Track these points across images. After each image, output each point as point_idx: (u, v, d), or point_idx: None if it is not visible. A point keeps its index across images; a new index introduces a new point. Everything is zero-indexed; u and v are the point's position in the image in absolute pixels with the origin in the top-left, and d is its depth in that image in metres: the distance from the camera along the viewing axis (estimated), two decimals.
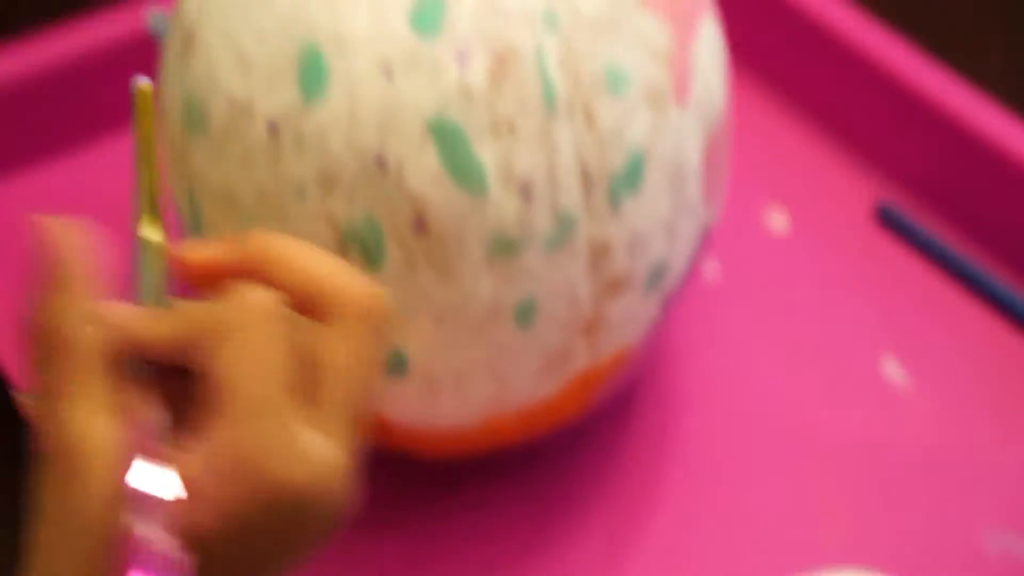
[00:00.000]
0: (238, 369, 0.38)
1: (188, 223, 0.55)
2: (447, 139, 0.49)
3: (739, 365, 0.66)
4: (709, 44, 0.55)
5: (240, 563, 0.39)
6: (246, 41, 0.51)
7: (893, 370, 0.66)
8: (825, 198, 0.73)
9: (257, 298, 0.39)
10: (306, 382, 0.40)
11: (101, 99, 0.76)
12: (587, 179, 0.51)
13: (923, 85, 0.71)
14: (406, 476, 0.62)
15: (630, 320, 0.55)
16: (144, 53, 0.75)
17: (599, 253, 0.52)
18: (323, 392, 0.39)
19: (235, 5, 0.52)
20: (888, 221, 0.72)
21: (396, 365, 0.53)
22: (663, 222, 0.53)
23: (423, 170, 0.50)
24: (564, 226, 0.51)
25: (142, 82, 0.43)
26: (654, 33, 0.52)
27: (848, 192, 0.74)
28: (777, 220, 0.72)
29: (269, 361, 0.38)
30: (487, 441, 0.58)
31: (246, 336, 0.39)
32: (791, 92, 0.77)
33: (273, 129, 0.51)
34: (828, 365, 0.66)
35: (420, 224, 0.50)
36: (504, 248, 0.51)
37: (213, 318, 0.39)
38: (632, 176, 0.52)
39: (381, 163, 0.50)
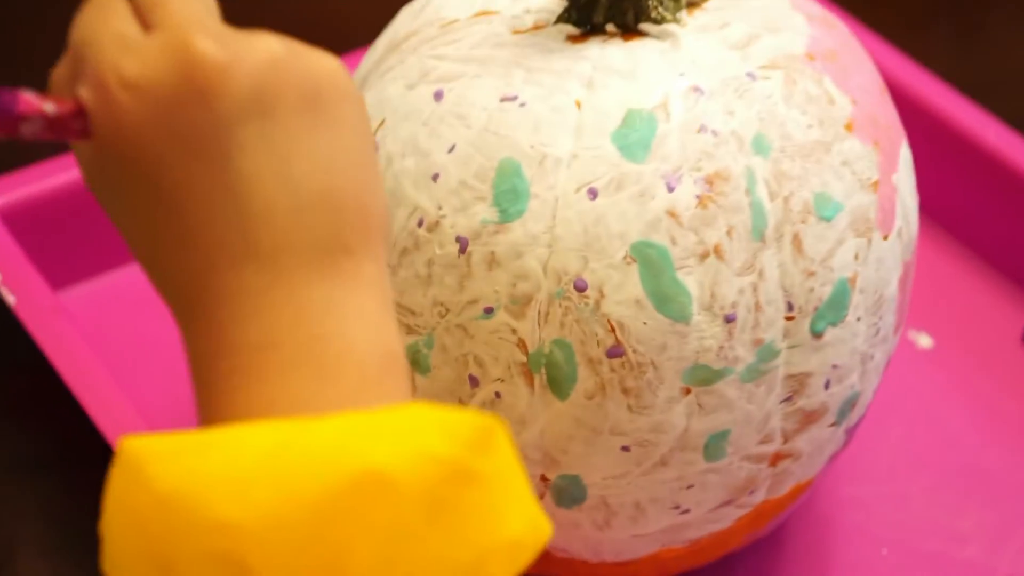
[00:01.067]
0: None
1: None
2: (652, 264, 0.47)
3: (889, 491, 0.63)
4: (906, 170, 0.53)
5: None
6: (437, 155, 0.49)
7: None
8: (971, 321, 0.71)
9: None
10: None
11: None
12: (791, 308, 0.49)
13: None
14: None
15: (817, 453, 0.53)
16: None
17: (797, 385, 0.50)
18: None
19: (423, 117, 0.50)
20: None
21: (573, 494, 0.51)
22: (860, 353, 0.51)
23: (624, 295, 0.48)
24: (764, 356, 0.49)
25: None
26: (862, 159, 0.50)
27: (995, 316, 0.71)
28: (923, 341, 0.70)
29: None
30: (645, 573, 0.55)
31: None
32: (937, 214, 0.75)
33: (463, 245, 0.48)
34: (980, 494, 0.63)
35: (616, 350, 0.48)
36: (702, 378, 0.49)
37: None
38: (836, 306, 0.49)
39: (580, 286, 0.48)
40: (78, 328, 0.65)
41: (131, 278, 0.71)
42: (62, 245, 0.70)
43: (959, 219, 0.75)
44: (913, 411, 0.67)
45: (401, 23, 0.55)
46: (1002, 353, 0.70)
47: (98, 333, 0.69)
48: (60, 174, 0.70)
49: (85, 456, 0.64)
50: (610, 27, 0.51)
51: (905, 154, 0.53)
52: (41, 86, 0.48)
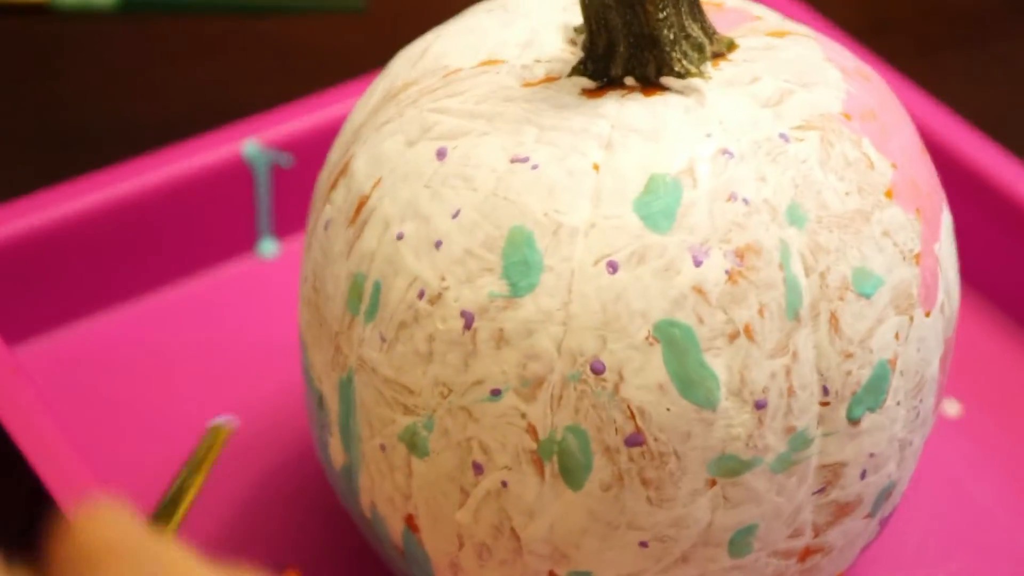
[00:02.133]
0: None
1: (337, 410, 0.49)
2: (676, 344, 0.43)
3: (922, 564, 0.59)
4: (948, 238, 0.49)
5: None
6: (439, 221, 0.45)
7: None
8: (1002, 386, 0.67)
9: None
10: None
11: (193, 231, 0.69)
12: (827, 393, 0.45)
13: None
14: None
15: (848, 547, 0.48)
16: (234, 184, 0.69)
17: (831, 476, 0.46)
18: None
19: (425, 179, 0.46)
20: None
21: None
22: (899, 440, 0.47)
23: (646, 378, 0.43)
24: (797, 445, 0.45)
25: (222, 421, 0.47)
26: (904, 228, 0.46)
27: (1021, 379, 0.67)
28: (951, 408, 0.66)
29: None
30: None
31: None
32: (961, 270, 0.71)
33: (468, 321, 0.44)
34: (1016, 574, 0.59)
35: (636, 439, 0.44)
36: (729, 468, 0.44)
37: None
38: (875, 391, 0.45)
39: (597, 368, 0.43)
40: (35, 386, 0.60)
41: (91, 331, 0.67)
42: (17, 296, 0.66)
43: (985, 275, 0.71)
44: (941, 486, 0.62)
45: (398, 69, 0.51)
46: None
47: (54, 391, 0.64)
48: (12, 222, 0.66)
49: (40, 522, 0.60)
50: (629, 80, 0.47)
51: (947, 220, 0.49)
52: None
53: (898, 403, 0.46)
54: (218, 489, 0.61)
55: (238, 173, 0.69)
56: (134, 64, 0.83)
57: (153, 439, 0.63)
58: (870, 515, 0.48)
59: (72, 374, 0.65)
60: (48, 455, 0.56)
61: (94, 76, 0.82)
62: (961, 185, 0.70)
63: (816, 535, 0.47)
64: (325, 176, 0.50)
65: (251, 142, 0.69)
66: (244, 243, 0.71)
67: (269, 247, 0.71)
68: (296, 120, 0.70)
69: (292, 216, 0.71)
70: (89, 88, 0.82)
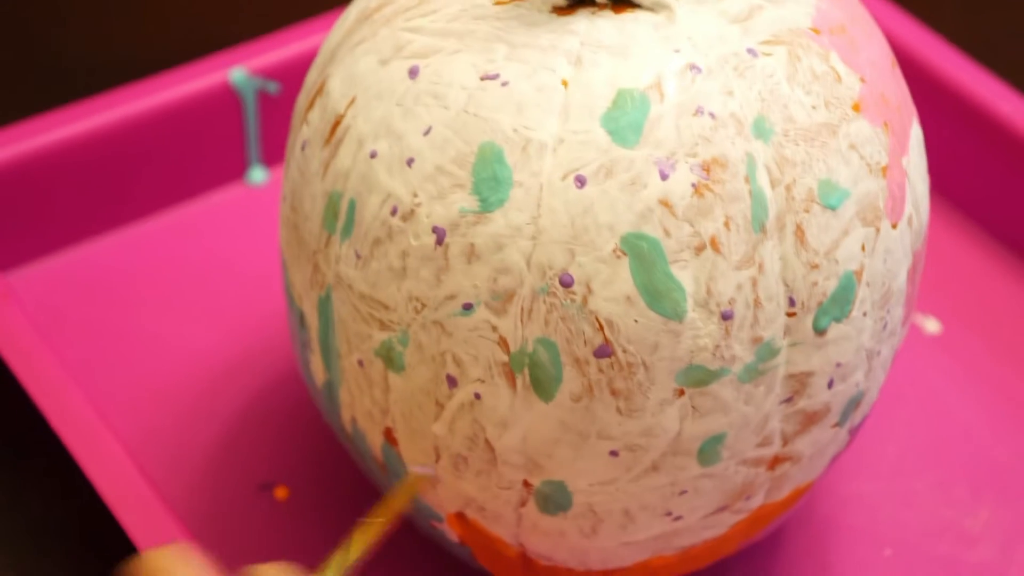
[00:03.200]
0: None
1: (317, 327, 0.50)
2: (643, 257, 0.44)
3: (894, 488, 0.60)
4: (918, 151, 0.49)
5: None
6: (411, 138, 0.45)
7: None
8: (983, 304, 0.67)
9: None
10: None
11: (184, 159, 0.70)
12: (793, 304, 0.45)
13: None
14: None
15: (818, 455, 0.49)
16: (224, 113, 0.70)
17: (798, 385, 0.47)
18: None
19: (397, 97, 0.46)
20: None
21: (558, 500, 0.47)
22: (866, 350, 0.48)
23: (614, 291, 0.44)
24: (764, 355, 0.45)
25: (423, 470, 0.48)
26: (871, 142, 0.46)
27: (1008, 298, 0.68)
28: (931, 326, 0.66)
29: None
30: None
31: None
32: (945, 190, 0.72)
33: (440, 237, 0.45)
34: (992, 491, 0.60)
35: (605, 350, 0.44)
36: (697, 379, 0.45)
37: None
38: (841, 301, 0.46)
39: (566, 281, 0.44)
40: (26, 312, 0.61)
41: (82, 258, 0.68)
42: (7, 223, 0.67)
43: (968, 194, 0.71)
44: (920, 402, 0.63)
45: None
46: (1016, 337, 0.66)
47: (46, 316, 0.65)
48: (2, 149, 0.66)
49: (33, 445, 0.61)
50: None
51: (916, 134, 0.50)
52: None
53: (864, 314, 0.47)
54: (209, 410, 0.62)
55: (227, 101, 0.70)
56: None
57: (144, 363, 0.64)
58: (838, 424, 0.49)
59: (63, 300, 0.66)
60: (40, 379, 0.57)
61: (77, 11, 0.83)
62: (941, 102, 0.70)
63: (785, 444, 0.48)
64: (303, 98, 0.51)
65: (238, 70, 0.69)
66: (234, 171, 0.72)
67: (258, 174, 0.72)
68: (283, 48, 0.71)
69: (281, 144, 0.72)
70: (71, 24, 0.82)
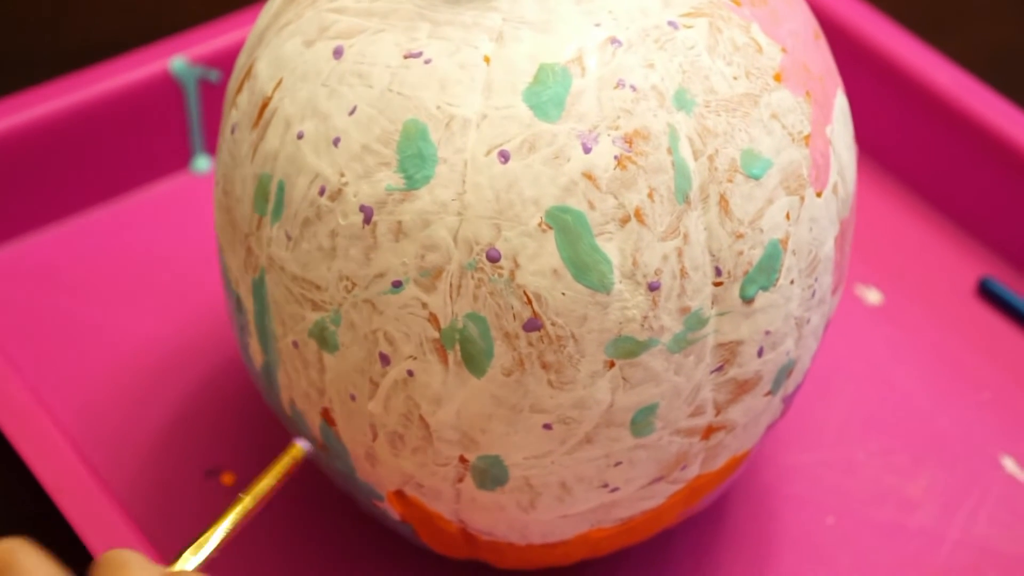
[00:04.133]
0: None
1: (253, 310, 0.50)
2: (568, 230, 0.44)
3: (835, 457, 0.61)
4: (842, 121, 0.50)
5: None
6: (337, 118, 0.46)
7: (1011, 465, 0.61)
8: (923, 273, 0.68)
9: None
10: None
11: (128, 149, 0.70)
12: (719, 274, 0.46)
13: None
14: None
15: (752, 424, 0.50)
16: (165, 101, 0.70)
17: (728, 354, 0.47)
18: None
19: (322, 77, 0.46)
20: (990, 295, 0.67)
21: (495, 475, 0.48)
22: (795, 318, 0.48)
23: (541, 264, 0.44)
24: (692, 325, 0.46)
25: (303, 444, 0.50)
26: (793, 111, 0.47)
27: (947, 267, 0.68)
28: (872, 295, 0.67)
29: None
30: (577, 554, 0.53)
31: None
32: (884, 161, 0.72)
33: (367, 215, 0.45)
34: (932, 457, 0.61)
35: (534, 323, 0.45)
36: (626, 350, 0.45)
37: None
38: (767, 270, 0.46)
39: (493, 256, 0.44)
40: None
41: (26, 250, 0.68)
42: None
43: (908, 166, 0.72)
44: (861, 371, 0.64)
45: None
46: (956, 306, 0.67)
47: None
48: None
49: None
50: None
51: (841, 104, 0.50)
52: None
53: (792, 282, 0.47)
54: (155, 398, 0.62)
55: (168, 91, 0.70)
56: None
57: (90, 353, 0.64)
58: (771, 392, 0.49)
59: (7, 291, 0.66)
60: None
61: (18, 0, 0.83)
62: (880, 73, 0.71)
63: (718, 413, 0.48)
64: (233, 81, 0.51)
65: (179, 59, 0.69)
66: (178, 160, 0.72)
67: (203, 163, 0.72)
68: (223, 36, 0.71)
69: None
70: (4, 12, 0.82)
